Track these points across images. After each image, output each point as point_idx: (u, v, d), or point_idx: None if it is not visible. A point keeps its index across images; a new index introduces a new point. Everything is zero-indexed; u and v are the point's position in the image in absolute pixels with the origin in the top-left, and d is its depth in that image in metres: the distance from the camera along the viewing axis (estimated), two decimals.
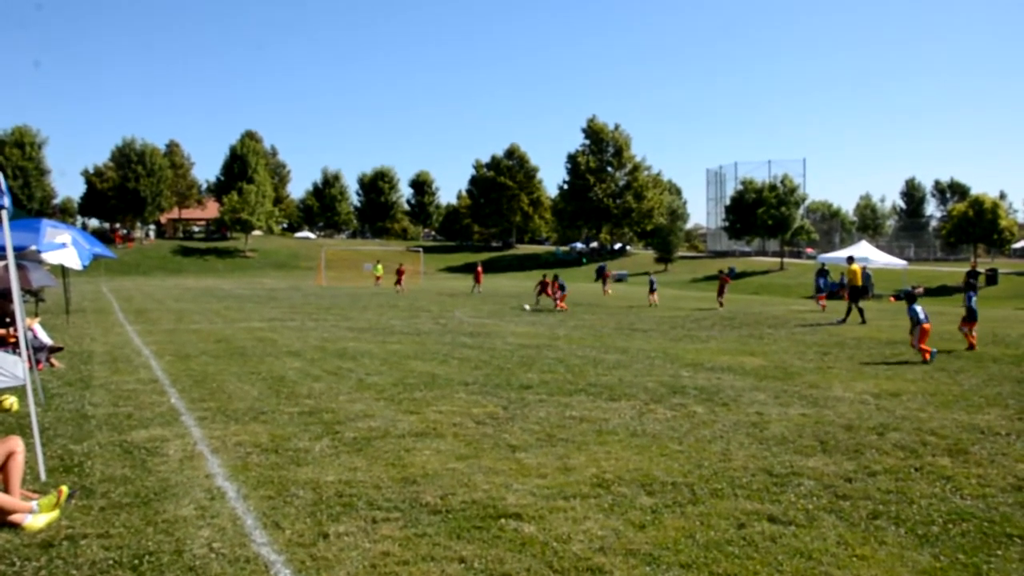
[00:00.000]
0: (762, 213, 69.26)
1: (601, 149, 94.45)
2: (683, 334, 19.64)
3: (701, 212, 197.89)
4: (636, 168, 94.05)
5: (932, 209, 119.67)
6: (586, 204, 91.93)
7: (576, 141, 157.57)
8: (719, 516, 5.63)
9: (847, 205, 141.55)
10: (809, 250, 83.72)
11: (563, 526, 5.42)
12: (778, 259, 72.63)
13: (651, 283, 36.46)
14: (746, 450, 7.59)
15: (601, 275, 65.28)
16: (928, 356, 14.42)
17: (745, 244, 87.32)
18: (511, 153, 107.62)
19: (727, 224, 78.92)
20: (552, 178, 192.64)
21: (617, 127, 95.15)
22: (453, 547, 5.04)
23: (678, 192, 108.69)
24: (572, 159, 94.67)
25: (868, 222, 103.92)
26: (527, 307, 29.89)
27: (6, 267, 11.54)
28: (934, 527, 5.41)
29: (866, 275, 39.38)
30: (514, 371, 12.94)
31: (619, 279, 65.31)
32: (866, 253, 42.60)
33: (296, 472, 6.79)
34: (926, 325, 14.72)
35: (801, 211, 73.97)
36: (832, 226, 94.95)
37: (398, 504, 5.91)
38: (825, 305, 30.44)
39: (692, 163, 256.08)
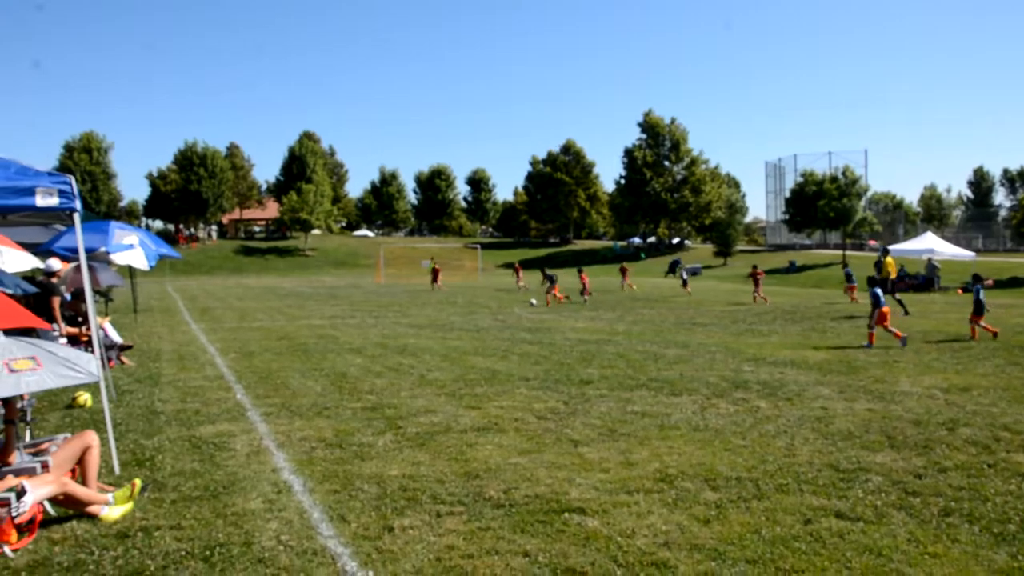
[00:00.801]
0: (823, 205, 67.90)
1: (658, 143, 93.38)
2: (744, 328, 19.38)
3: (760, 205, 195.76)
4: (693, 162, 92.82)
5: (1001, 198, 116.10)
6: (643, 199, 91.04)
7: (632, 135, 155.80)
8: (785, 512, 5.56)
9: (911, 196, 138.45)
10: (872, 242, 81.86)
11: (627, 520, 5.40)
12: (840, 252, 71.21)
13: (683, 276, 37.62)
14: (811, 445, 7.47)
15: (673, 269, 64.69)
16: (873, 340, 15.32)
17: (806, 237, 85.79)
18: (567, 149, 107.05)
19: (787, 217, 77.49)
20: (609, 173, 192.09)
21: (673, 121, 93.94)
22: (517, 541, 5.06)
23: (736, 185, 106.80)
24: (629, 154, 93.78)
25: (933, 213, 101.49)
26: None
27: (78, 268, 11.90)
28: (1010, 525, 5.26)
29: (932, 267, 38.77)
30: (574, 366, 12.93)
31: (693, 273, 64.24)
32: (932, 245, 41.58)
33: (360, 466, 6.88)
34: (884, 308, 15.49)
35: (863, 203, 72.25)
36: (896, 217, 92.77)
37: (462, 498, 5.95)
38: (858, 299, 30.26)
39: (751, 156, 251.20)
